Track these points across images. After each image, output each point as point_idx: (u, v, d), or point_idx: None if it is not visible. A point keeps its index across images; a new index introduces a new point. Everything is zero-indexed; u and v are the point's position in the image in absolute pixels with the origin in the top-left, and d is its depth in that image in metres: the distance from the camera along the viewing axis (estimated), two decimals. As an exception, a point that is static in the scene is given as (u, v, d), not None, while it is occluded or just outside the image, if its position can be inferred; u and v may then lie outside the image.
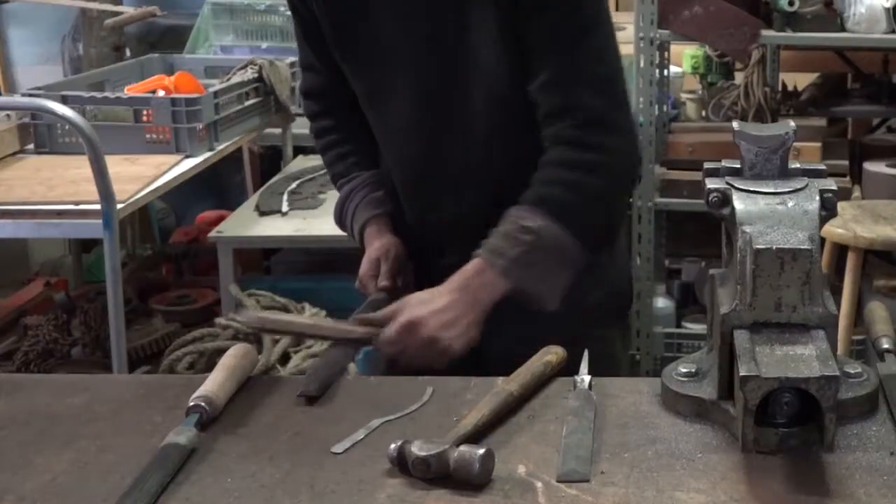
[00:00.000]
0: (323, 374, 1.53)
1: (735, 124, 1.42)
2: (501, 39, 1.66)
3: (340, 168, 1.92)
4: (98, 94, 3.23)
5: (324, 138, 1.96)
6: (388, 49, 1.74)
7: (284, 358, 2.90)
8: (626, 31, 3.85)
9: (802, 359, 1.26)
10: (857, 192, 3.74)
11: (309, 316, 1.57)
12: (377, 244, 1.83)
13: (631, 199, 3.46)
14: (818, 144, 3.80)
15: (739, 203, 1.36)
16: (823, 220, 1.35)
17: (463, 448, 1.24)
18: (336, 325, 1.67)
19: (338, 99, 1.91)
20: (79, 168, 2.71)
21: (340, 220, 1.91)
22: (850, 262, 3.13)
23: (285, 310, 3.09)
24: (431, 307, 1.59)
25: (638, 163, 1.77)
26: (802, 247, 1.30)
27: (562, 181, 1.65)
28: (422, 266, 1.85)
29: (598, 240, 1.73)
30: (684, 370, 1.43)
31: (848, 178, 3.79)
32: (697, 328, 3.91)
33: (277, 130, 4.00)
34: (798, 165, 1.41)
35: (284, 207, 3.44)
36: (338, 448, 1.33)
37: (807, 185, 1.38)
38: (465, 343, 1.60)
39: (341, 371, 1.57)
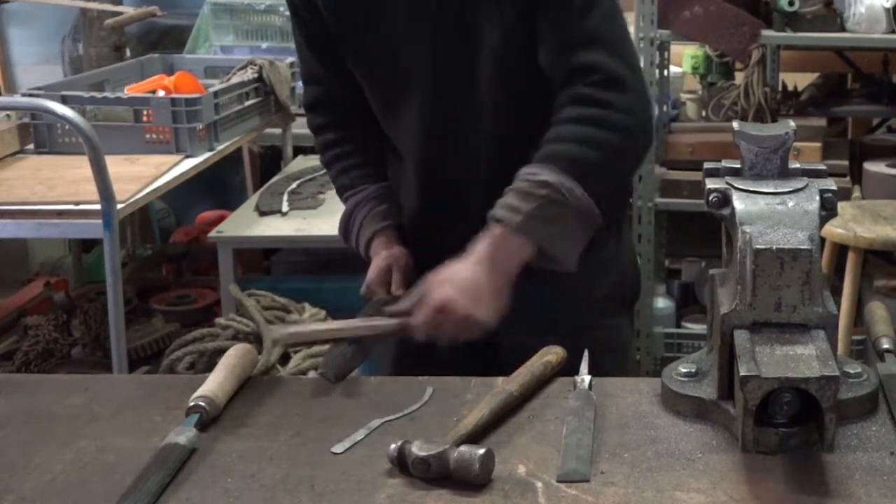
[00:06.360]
0: (340, 362, 1.55)
1: (735, 124, 1.42)
2: (511, 14, 1.67)
3: (346, 181, 1.91)
4: (98, 94, 3.22)
5: (329, 152, 1.94)
6: (394, 31, 1.74)
7: (284, 358, 2.90)
8: (626, 32, 3.85)
9: (802, 359, 1.26)
10: (857, 192, 3.73)
11: (324, 321, 1.60)
12: (386, 253, 1.82)
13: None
14: (818, 144, 3.79)
15: (739, 203, 1.36)
16: (823, 220, 1.36)
17: (463, 448, 1.24)
18: (366, 322, 1.66)
19: (343, 109, 1.90)
20: (79, 168, 2.71)
21: (346, 232, 1.90)
22: (850, 262, 3.12)
23: (285, 310, 3.08)
24: (458, 285, 1.59)
25: (649, 121, 1.76)
26: (802, 247, 1.30)
27: (573, 136, 1.63)
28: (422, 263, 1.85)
29: (611, 199, 1.71)
30: (684, 370, 1.43)
31: (848, 178, 3.78)
32: (697, 328, 3.91)
33: (277, 130, 3.99)
34: (798, 165, 1.41)
35: (284, 207, 3.44)
36: (338, 448, 1.33)
37: (807, 185, 1.38)
38: (496, 313, 1.60)
39: (360, 362, 1.60)
